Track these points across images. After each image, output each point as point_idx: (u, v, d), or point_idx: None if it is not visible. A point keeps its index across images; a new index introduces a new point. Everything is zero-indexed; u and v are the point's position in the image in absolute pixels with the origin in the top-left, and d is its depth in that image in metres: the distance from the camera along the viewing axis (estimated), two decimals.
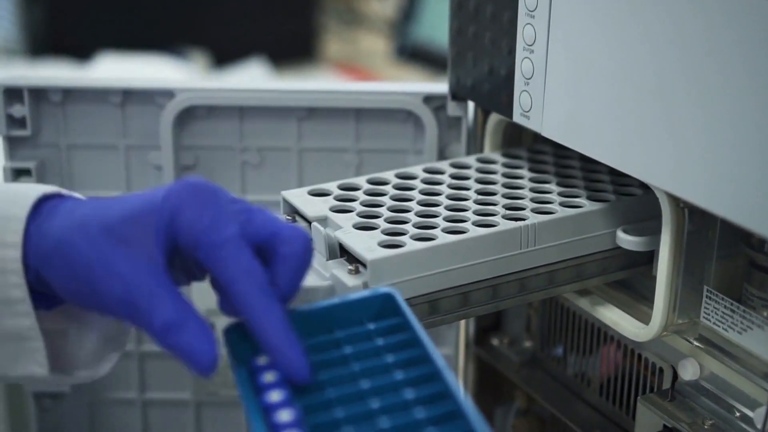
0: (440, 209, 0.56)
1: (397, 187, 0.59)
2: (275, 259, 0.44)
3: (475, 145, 0.67)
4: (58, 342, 0.49)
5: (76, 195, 0.50)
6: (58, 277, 0.45)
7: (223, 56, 1.72)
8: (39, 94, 0.67)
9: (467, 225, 0.54)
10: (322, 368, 0.43)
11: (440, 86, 0.67)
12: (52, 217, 0.47)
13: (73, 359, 0.50)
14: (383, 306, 0.46)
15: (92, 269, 0.44)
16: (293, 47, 1.87)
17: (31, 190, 0.48)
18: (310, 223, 0.56)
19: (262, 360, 0.43)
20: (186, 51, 1.70)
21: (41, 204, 0.48)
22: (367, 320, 0.46)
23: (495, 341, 0.72)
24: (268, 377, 0.42)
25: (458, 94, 0.65)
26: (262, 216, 0.45)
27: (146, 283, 0.43)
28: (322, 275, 0.53)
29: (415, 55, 1.84)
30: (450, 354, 0.73)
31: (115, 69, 1.55)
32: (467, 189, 0.59)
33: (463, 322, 0.72)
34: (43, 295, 0.47)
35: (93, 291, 0.44)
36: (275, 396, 0.41)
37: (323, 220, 0.55)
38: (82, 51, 1.66)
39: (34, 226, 0.47)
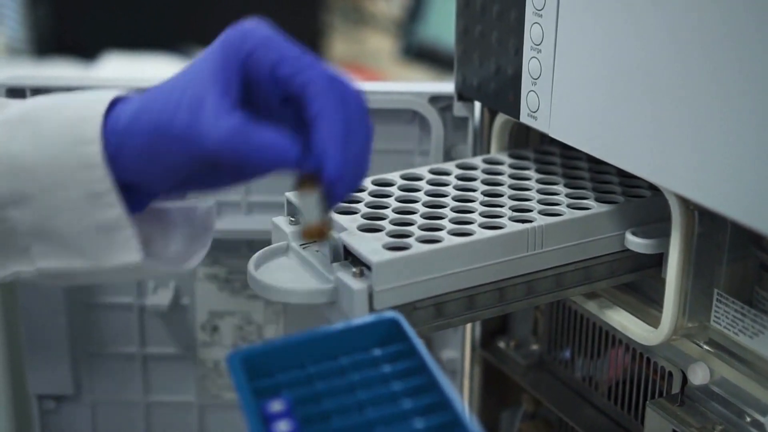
0: (446, 211, 0.56)
1: (403, 189, 0.58)
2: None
3: (481, 145, 0.66)
4: (144, 244, 0.52)
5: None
6: (137, 146, 0.49)
7: None
8: (42, 94, 0.67)
9: (473, 227, 0.53)
10: (327, 396, 0.42)
11: (446, 86, 0.66)
12: (125, 105, 0.50)
13: (160, 259, 0.53)
14: (388, 331, 0.45)
15: (163, 117, 0.47)
16: (299, 46, 1.86)
17: (103, 94, 0.51)
18: None
19: (269, 387, 0.42)
20: (191, 50, 1.69)
21: (115, 104, 0.51)
22: (372, 346, 0.45)
23: (501, 344, 0.71)
24: (275, 406, 0.41)
25: (465, 95, 0.64)
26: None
27: (208, 107, 0.46)
28: (326, 278, 0.52)
29: (421, 54, 1.83)
30: (456, 357, 0.72)
31: (121, 68, 1.55)
32: (473, 190, 0.58)
33: (469, 325, 0.71)
34: (128, 196, 0.50)
35: (167, 135, 0.47)
36: (283, 426, 0.40)
37: None
38: (87, 50, 1.66)
39: (112, 120, 0.50)
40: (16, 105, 0.53)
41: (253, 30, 0.49)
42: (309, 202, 0.48)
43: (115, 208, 0.50)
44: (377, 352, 0.44)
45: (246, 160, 0.47)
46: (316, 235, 0.49)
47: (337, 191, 0.48)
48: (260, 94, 0.49)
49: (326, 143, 0.47)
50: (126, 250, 0.51)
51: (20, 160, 0.51)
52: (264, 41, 0.48)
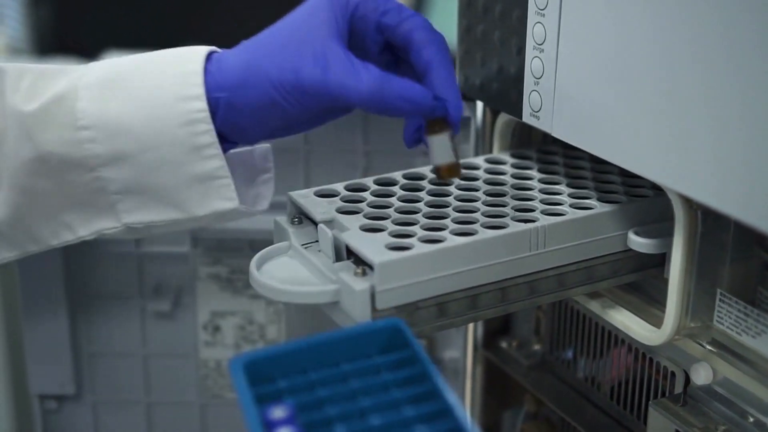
0: (449, 210, 0.55)
1: (405, 188, 0.58)
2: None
3: (483, 145, 0.66)
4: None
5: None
6: (251, 99, 0.52)
7: None
8: None
9: (476, 227, 0.53)
10: (329, 403, 0.42)
11: None
12: (224, 59, 0.53)
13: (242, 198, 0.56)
14: (390, 338, 0.45)
15: (284, 70, 0.51)
16: None
17: (197, 49, 0.54)
18: (316, 224, 0.55)
19: (271, 393, 0.42)
20: None
21: (209, 57, 0.53)
22: (374, 353, 0.44)
23: (503, 344, 0.71)
24: (277, 413, 0.40)
25: (467, 94, 0.64)
26: None
27: (342, 62, 0.50)
28: (328, 278, 0.52)
29: None
30: (458, 357, 0.72)
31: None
32: (476, 190, 0.58)
33: (471, 325, 0.71)
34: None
35: (292, 88, 0.51)
36: None
37: (330, 222, 0.54)
38: (88, 50, 1.65)
39: (213, 74, 0.53)
40: (96, 68, 0.55)
41: None
42: (442, 143, 0.53)
43: (216, 159, 0.53)
44: (379, 359, 0.44)
45: (389, 108, 0.51)
46: (455, 172, 0.53)
47: (457, 129, 0.53)
48: (363, 41, 0.54)
49: (446, 88, 0.52)
50: (223, 199, 0.54)
51: (117, 121, 0.52)
52: None
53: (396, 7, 0.53)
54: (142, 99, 0.53)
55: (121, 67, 0.54)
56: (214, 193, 0.54)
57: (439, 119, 0.52)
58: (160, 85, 0.53)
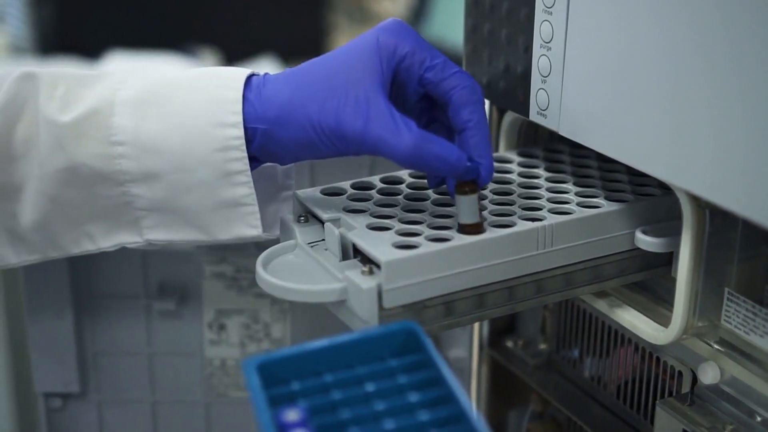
0: (455, 209, 0.55)
1: (412, 187, 0.58)
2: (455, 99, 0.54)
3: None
4: None
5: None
6: (290, 134, 0.52)
7: (233, 54, 1.71)
8: None
9: (483, 225, 0.53)
10: (343, 406, 0.41)
11: None
12: (265, 88, 0.53)
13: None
14: (405, 341, 0.44)
15: (327, 113, 0.51)
16: (303, 45, 1.86)
17: (236, 73, 0.54)
18: (322, 223, 0.55)
19: (284, 396, 0.42)
20: (196, 49, 1.69)
21: (248, 82, 0.53)
22: (388, 356, 0.44)
23: (509, 343, 0.71)
24: (291, 415, 0.40)
25: None
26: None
27: (383, 114, 0.50)
28: (335, 277, 0.52)
29: None
30: (463, 356, 0.72)
31: (125, 68, 1.55)
32: (483, 188, 0.58)
33: (476, 324, 0.71)
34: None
35: (331, 133, 0.51)
36: None
37: (336, 221, 0.54)
38: (91, 49, 1.65)
39: (248, 104, 0.53)
40: (135, 82, 0.54)
41: (404, 34, 0.53)
42: (471, 204, 0.52)
43: (245, 187, 0.53)
44: (394, 361, 0.44)
45: (425, 167, 0.52)
46: (476, 231, 0.52)
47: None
48: (404, 90, 0.54)
49: (481, 152, 0.53)
50: (247, 226, 0.54)
51: (151, 140, 0.53)
52: (415, 47, 0.53)
53: (441, 64, 0.53)
54: (178, 121, 0.53)
55: (159, 85, 0.54)
56: (240, 219, 0.54)
57: (470, 180, 0.52)
58: (198, 109, 0.53)
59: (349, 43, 0.53)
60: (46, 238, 0.56)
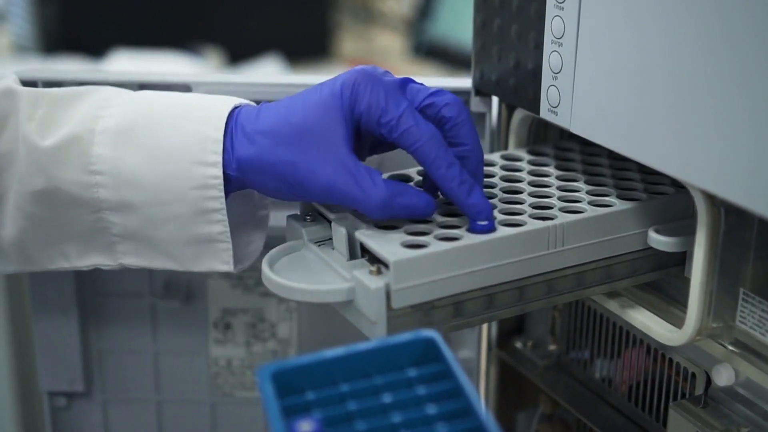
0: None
1: (420, 185, 0.57)
2: (443, 120, 0.53)
3: (499, 142, 0.65)
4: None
5: (251, 103, 0.57)
6: (264, 182, 0.53)
7: (238, 53, 1.71)
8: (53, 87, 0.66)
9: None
10: (359, 417, 0.40)
11: (463, 81, 0.65)
12: (243, 128, 0.54)
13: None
14: (424, 350, 0.43)
15: (297, 171, 0.52)
16: (308, 44, 1.85)
17: (220, 107, 0.54)
18: (329, 222, 0.54)
19: (299, 406, 0.41)
20: (200, 48, 1.68)
21: (230, 117, 0.54)
22: (407, 365, 0.43)
23: (518, 344, 0.70)
24: (305, 426, 0.39)
25: (482, 90, 0.63)
26: (413, 83, 0.54)
27: (349, 172, 0.51)
28: (342, 276, 0.51)
29: (431, 52, 1.82)
30: (472, 357, 0.71)
31: (129, 66, 1.54)
32: (492, 187, 0.57)
33: (485, 325, 0.70)
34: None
35: (301, 188, 0.52)
36: None
37: (343, 219, 0.53)
38: (95, 48, 1.65)
39: (229, 141, 0.53)
40: (115, 110, 0.55)
41: (362, 87, 0.52)
42: None
43: (219, 225, 0.54)
44: (412, 372, 0.42)
45: (394, 217, 0.52)
46: None
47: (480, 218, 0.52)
48: (371, 135, 0.54)
49: (455, 197, 0.52)
50: (219, 261, 0.55)
51: (130, 172, 0.53)
52: (371, 103, 0.52)
53: (395, 120, 0.52)
54: (158, 155, 0.53)
55: (142, 114, 0.54)
56: (212, 255, 0.55)
57: None
58: (179, 145, 0.53)
59: (313, 95, 0.53)
60: (21, 253, 0.57)
